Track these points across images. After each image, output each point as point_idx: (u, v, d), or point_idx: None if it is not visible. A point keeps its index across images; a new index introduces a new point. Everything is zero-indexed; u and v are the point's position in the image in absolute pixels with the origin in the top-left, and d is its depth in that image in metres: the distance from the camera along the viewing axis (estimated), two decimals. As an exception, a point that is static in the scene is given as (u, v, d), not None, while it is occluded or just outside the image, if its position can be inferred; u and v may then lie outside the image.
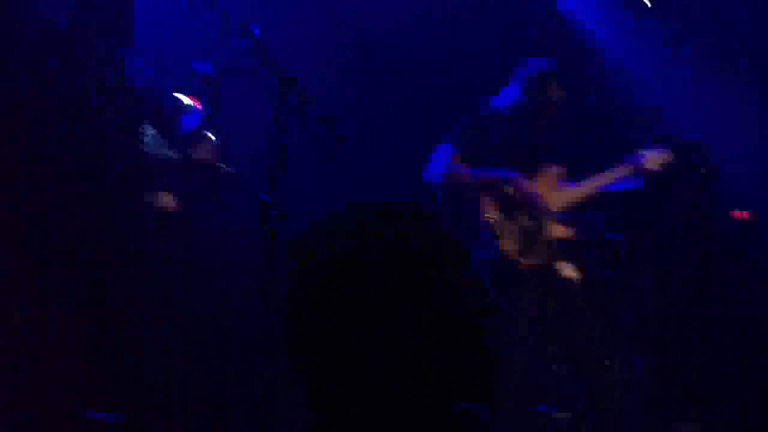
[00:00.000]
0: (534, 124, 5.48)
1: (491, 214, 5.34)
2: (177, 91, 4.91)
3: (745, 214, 6.66)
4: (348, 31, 6.62)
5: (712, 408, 6.66)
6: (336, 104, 6.01)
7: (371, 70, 6.75)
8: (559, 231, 5.46)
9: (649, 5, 6.66)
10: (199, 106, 4.91)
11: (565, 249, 5.45)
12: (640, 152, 5.66)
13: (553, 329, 5.46)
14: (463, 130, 5.42)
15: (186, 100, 4.92)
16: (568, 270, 5.40)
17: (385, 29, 6.67)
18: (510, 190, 5.33)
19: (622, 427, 5.79)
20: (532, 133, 5.51)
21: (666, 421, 6.40)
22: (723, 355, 6.87)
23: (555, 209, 5.47)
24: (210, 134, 4.92)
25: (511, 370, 5.19)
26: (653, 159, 5.64)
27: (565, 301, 5.38)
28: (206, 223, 5.17)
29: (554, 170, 5.52)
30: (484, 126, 5.45)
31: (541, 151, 5.53)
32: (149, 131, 4.82)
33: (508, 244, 5.30)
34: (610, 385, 5.36)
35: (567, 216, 5.51)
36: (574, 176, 5.58)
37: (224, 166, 4.98)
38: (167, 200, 4.86)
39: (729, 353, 6.89)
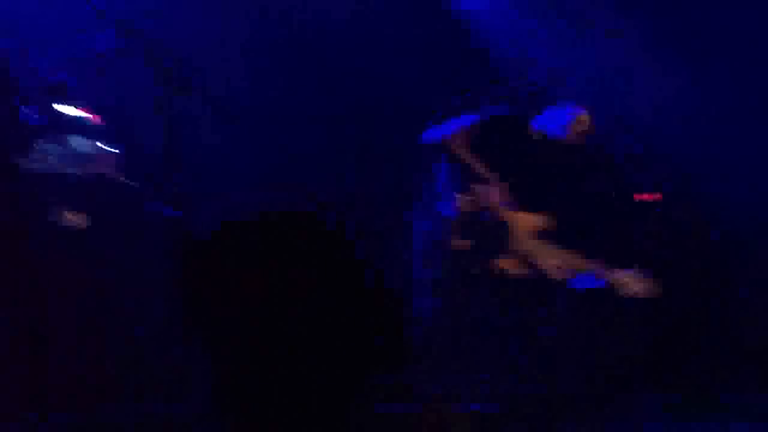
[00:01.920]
0: (546, 162, 5.51)
1: (465, 203, 5.34)
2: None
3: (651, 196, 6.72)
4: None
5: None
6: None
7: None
8: (508, 266, 5.42)
9: None
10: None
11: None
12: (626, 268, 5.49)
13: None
14: (487, 120, 5.43)
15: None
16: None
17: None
18: (486, 201, 5.35)
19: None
20: (544, 172, 5.53)
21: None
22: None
23: (519, 248, 5.42)
24: (107, 147, 4.87)
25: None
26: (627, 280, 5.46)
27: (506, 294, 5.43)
28: (111, 237, 5.11)
29: (539, 218, 5.47)
30: (509, 133, 5.47)
31: (543, 192, 5.53)
32: (49, 148, 4.76)
33: (463, 242, 5.32)
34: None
35: (523, 259, 5.46)
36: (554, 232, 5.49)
37: (123, 178, 4.92)
38: (73, 218, 4.79)
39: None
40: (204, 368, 1.58)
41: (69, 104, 4.89)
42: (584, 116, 5.53)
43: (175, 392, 4.41)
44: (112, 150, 4.91)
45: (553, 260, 5.41)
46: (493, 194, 5.38)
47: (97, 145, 4.90)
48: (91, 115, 4.95)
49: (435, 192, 5.44)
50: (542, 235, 5.47)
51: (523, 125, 5.54)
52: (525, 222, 5.47)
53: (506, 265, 5.39)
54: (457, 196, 5.36)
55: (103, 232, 5.00)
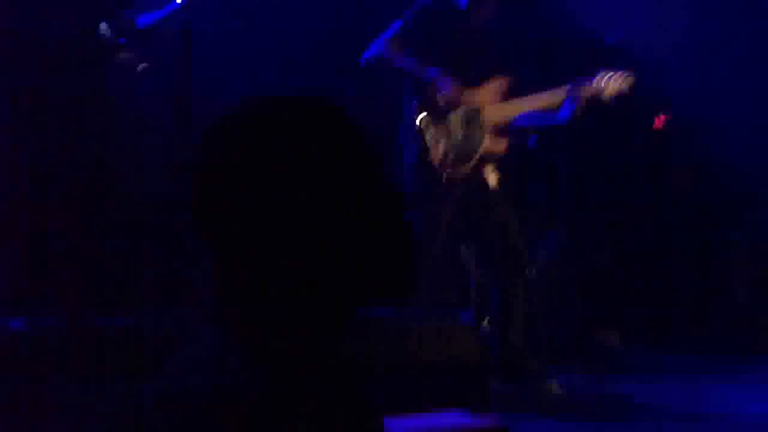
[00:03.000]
0: (481, 28, 5.25)
1: (421, 115, 5.13)
2: None
3: (662, 119, 6.59)
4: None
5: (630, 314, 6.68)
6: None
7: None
8: (490, 144, 5.22)
9: None
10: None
11: (492, 161, 5.26)
12: (596, 74, 5.22)
13: (471, 234, 5.35)
14: (411, 17, 5.15)
15: None
16: (491, 178, 5.23)
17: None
18: (440, 97, 5.11)
19: (540, 329, 5.77)
20: (483, 37, 5.26)
21: (586, 328, 6.41)
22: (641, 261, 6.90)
23: (492, 121, 5.23)
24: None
25: (428, 273, 5.07)
26: (609, 84, 5.18)
27: (484, 207, 5.24)
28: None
29: (499, 82, 5.26)
30: (436, 17, 5.16)
31: (489, 58, 5.27)
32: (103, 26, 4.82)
33: (435, 151, 5.10)
34: (526, 289, 5.27)
35: (502, 129, 5.28)
36: (520, 90, 5.29)
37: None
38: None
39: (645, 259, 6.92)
40: (205, 272, 1.50)
41: None
42: None
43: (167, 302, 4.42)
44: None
45: (527, 108, 5.23)
46: (447, 84, 5.09)
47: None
48: None
49: (401, 109, 5.25)
50: (506, 97, 5.26)
51: (451, 5, 5.23)
52: (487, 93, 5.25)
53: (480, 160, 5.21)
54: (414, 103, 5.13)
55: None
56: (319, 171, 1.48)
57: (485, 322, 5.49)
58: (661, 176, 7.17)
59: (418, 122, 5.12)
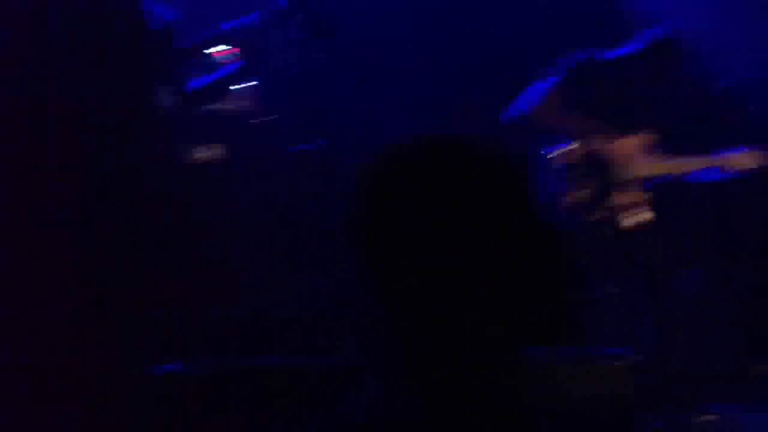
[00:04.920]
0: (639, 82, 5.38)
1: (570, 160, 5.31)
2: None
3: None
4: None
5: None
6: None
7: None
8: (629, 197, 5.34)
9: None
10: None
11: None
12: (733, 148, 5.46)
13: (613, 270, 5.42)
14: (564, 74, 5.29)
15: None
16: (628, 219, 5.34)
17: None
18: (593, 146, 5.30)
19: (693, 361, 5.70)
20: (634, 91, 5.40)
21: (739, 358, 6.24)
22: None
23: (633, 174, 5.36)
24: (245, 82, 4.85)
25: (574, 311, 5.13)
26: (741, 158, 5.43)
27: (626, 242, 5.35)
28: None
29: (647, 133, 5.38)
30: (584, 73, 5.31)
31: (638, 111, 5.40)
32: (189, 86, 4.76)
33: (577, 194, 5.28)
34: (679, 319, 5.34)
35: (644, 183, 5.39)
36: (665, 146, 5.43)
37: (262, 114, 4.89)
38: (216, 153, 4.77)
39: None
40: (371, 315, 1.48)
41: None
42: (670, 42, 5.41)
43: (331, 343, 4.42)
44: (250, 84, 4.88)
45: (669, 169, 5.38)
46: (597, 142, 5.29)
47: (234, 80, 4.87)
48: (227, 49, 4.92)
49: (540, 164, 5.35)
50: (650, 150, 5.38)
51: (603, 67, 5.36)
52: (629, 146, 5.35)
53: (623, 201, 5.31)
54: (562, 150, 5.30)
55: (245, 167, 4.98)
56: (484, 212, 1.47)
57: (636, 356, 5.45)
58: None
59: (567, 164, 5.30)
